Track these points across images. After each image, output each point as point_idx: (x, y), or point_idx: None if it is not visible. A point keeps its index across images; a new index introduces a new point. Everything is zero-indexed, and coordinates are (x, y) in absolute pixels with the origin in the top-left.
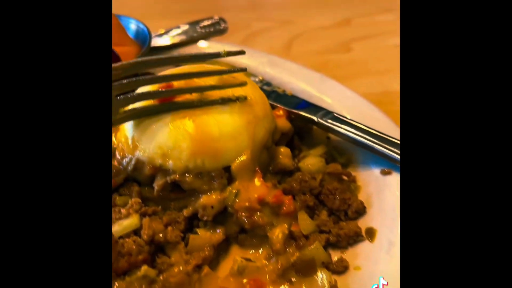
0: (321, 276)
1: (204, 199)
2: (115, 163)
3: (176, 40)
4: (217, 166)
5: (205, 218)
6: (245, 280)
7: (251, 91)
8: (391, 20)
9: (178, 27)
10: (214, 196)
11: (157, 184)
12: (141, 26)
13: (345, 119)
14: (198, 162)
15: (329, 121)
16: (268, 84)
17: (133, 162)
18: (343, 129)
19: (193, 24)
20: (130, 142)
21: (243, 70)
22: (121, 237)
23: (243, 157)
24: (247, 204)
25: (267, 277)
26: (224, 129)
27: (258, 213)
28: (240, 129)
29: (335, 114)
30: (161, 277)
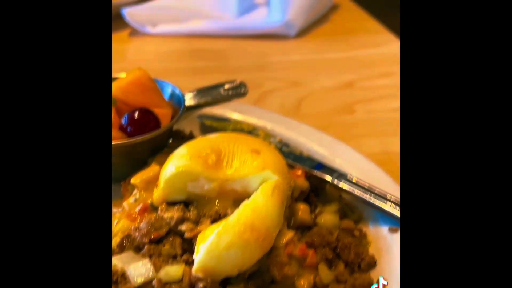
0: None
1: None
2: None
3: (202, 101)
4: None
5: (240, 276)
6: None
7: (278, 165)
8: (391, 84)
9: (204, 89)
10: None
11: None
12: (176, 90)
13: (355, 181)
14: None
15: (342, 182)
16: (287, 145)
17: (174, 220)
18: (353, 190)
19: (217, 86)
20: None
21: None
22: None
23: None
24: (278, 258)
25: None
26: (270, 224)
27: (287, 265)
28: (280, 218)
29: (348, 177)
30: None
